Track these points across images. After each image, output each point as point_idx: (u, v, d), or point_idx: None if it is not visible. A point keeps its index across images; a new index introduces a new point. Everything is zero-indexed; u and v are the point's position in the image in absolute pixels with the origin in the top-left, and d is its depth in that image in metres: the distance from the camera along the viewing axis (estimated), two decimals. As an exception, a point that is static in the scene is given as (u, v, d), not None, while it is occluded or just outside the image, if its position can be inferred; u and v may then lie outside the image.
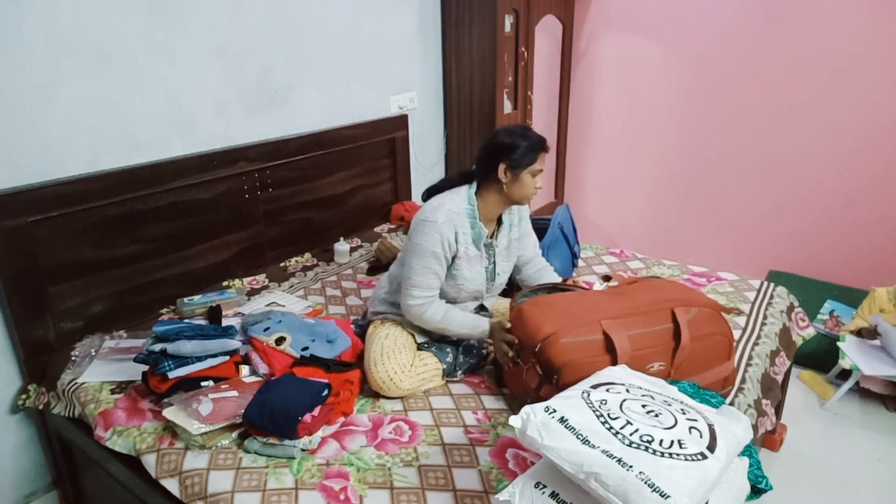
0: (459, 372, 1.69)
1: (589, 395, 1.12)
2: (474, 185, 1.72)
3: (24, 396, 1.83)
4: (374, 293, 1.90)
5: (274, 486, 1.29)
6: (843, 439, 2.34)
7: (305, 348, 1.69)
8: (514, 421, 1.07)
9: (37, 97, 1.75)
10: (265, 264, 2.48)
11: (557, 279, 1.90)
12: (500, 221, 1.80)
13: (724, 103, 3.32)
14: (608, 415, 1.05)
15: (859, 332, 2.57)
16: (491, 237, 1.78)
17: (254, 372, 1.67)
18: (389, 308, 1.80)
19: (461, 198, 1.70)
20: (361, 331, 1.86)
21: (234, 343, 1.67)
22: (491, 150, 1.67)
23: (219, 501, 1.28)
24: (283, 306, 2.08)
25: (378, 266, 2.46)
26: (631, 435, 1.00)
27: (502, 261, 1.81)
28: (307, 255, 2.62)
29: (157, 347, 1.55)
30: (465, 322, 1.69)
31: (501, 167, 1.65)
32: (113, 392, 1.65)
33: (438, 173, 3.47)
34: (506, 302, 2.09)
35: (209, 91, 2.20)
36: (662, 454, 0.96)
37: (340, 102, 2.74)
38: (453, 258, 1.68)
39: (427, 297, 1.67)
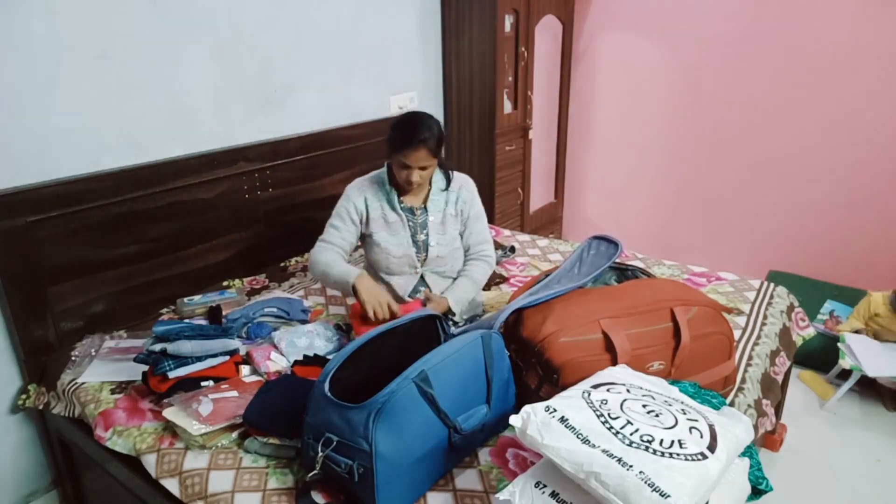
0: None
1: (589, 394, 1.12)
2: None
3: (24, 396, 1.83)
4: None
5: (274, 486, 1.29)
6: (843, 439, 2.34)
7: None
8: (515, 420, 1.07)
9: (37, 97, 1.75)
10: (265, 264, 2.48)
11: (479, 277, 1.90)
12: (429, 196, 1.89)
13: (723, 103, 3.32)
14: (608, 414, 1.05)
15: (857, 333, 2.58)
16: (422, 205, 1.88)
17: (254, 371, 1.67)
18: None
19: (376, 172, 1.92)
20: (346, 334, 1.87)
21: (234, 343, 1.67)
22: None
23: (219, 501, 1.28)
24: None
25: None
26: (631, 435, 1.00)
27: (437, 234, 1.88)
28: (307, 256, 2.61)
29: (157, 347, 1.55)
30: (339, 269, 1.76)
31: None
32: (113, 392, 1.65)
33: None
34: (500, 296, 2.09)
35: (209, 91, 2.20)
36: (663, 454, 0.96)
37: (340, 102, 2.74)
38: (367, 221, 1.86)
39: (323, 243, 1.85)
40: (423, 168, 1.76)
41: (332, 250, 1.84)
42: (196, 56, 2.13)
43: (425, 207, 1.89)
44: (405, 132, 1.73)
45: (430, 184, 1.90)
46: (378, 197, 1.88)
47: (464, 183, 1.94)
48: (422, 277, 1.88)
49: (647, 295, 1.51)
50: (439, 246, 1.87)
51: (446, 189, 1.91)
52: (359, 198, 1.87)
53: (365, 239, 1.91)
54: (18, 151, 1.74)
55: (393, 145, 1.77)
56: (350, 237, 1.88)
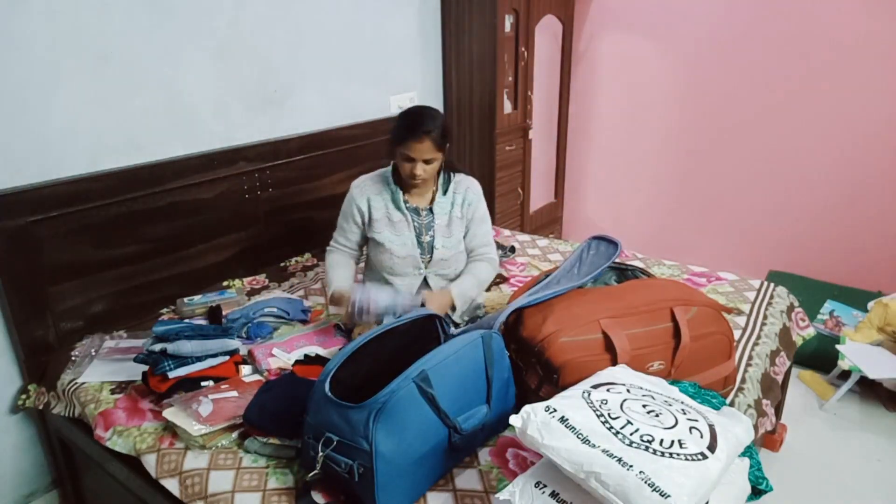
0: None
1: (589, 394, 1.12)
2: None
3: (24, 396, 1.83)
4: None
5: (274, 486, 1.29)
6: (843, 439, 2.34)
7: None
8: (515, 420, 1.07)
9: (37, 97, 1.75)
10: (265, 264, 2.48)
11: (482, 276, 1.90)
12: (436, 197, 1.88)
13: (723, 103, 3.32)
14: (608, 414, 1.05)
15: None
16: (428, 206, 1.87)
17: (255, 371, 1.67)
18: None
19: (382, 170, 1.91)
20: (347, 334, 1.87)
21: (234, 343, 1.68)
22: None
23: (219, 501, 1.28)
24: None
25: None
26: (631, 435, 1.00)
27: (442, 236, 1.86)
28: (307, 255, 2.62)
29: (157, 347, 1.55)
30: (332, 278, 1.85)
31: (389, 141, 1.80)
32: (113, 392, 1.65)
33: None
34: (500, 296, 2.09)
35: (209, 91, 2.20)
36: (663, 454, 0.96)
37: (340, 102, 2.74)
38: (371, 221, 1.85)
39: (332, 245, 1.95)
40: (427, 161, 1.73)
41: (339, 251, 1.93)
42: (196, 56, 2.13)
43: (431, 209, 1.87)
44: (409, 123, 1.71)
45: (436, 185, 1.89)
46: (382, 195, 1.85)
47: (470, 185, 1.92)
48: (425, 280, 1.87)
49: (647, 295, 1.51)
50: (444, 249, 1.86)
51: (451, 191, 1.90)
52: (361, 198, 1.86)
53: (369, 240, 1.90)
54: (18, 151, 1.74)
55: (396, 137, 1.74)
56: (354, 237, 1.91)
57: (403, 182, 1.84)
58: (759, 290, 2.16)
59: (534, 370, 1.42)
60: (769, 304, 2.07)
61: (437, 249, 1.85)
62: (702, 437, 1.02)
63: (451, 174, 1.91)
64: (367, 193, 1.86)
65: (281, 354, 1.71)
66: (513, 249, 2.60)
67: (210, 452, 1.39)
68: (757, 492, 1.20)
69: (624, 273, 1.80)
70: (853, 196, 3.06)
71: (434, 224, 1.86)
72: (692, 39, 3.32)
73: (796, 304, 2.17)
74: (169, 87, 2.07)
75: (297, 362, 1.65)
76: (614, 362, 1.36)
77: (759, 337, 1.86)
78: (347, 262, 1.93)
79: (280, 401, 1.40)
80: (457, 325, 1.85)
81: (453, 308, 1.79)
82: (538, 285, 1.62)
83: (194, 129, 2.18)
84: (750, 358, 1.75)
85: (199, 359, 1.58)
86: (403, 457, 1.17)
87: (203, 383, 1.55)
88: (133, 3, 1.92)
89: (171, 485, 1.36)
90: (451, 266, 1.89)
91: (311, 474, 1.19)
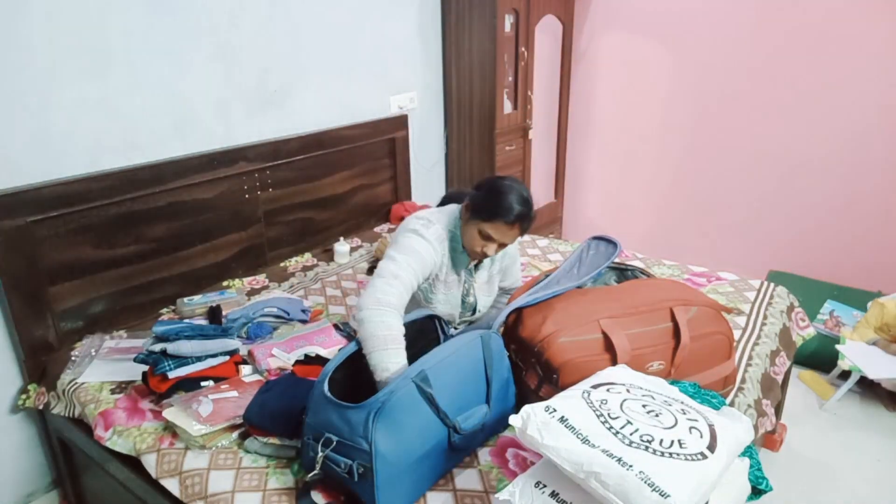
0: None
1: (589, 394, 1.12)
2: (459, 209, 1.67)
3: (24, 396, 1.83)
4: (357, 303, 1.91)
5: (274, 486, 1.29)
6: (843, 439, 2.34)
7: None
8: (515, 420, 1.07)
9: (37, 97, 1.76)
10: (265, 264, 2.49)
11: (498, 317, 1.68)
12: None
13: (724, 103, 3.32)
14: (608, 414, 1.05)
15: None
16: (475, 265, 1.74)
17: (255, 371, 1.67)
18: None
19: (449, 219, 1.65)
20: (348, 335, 1.87)
21: (234, 343, 1.68)
22: (476, 184, 1.63)
23: (219, 501, 1.28)
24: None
25: (378, 266, 2.46)
26: (631, 434, 1.00)
27: (483, 295, 1.77)
28: (307, 255, 2.62)
29: (157, 347, 1.55)
30: (395, 361, 1.28)
31: (465, 203, 1.61)
32: (113, 392, 1.65)
33: (438, 173, 3.47)
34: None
35: (209, 91, 2.20)
36: (662, 454, 0.96)
37: (340, 102, 2.75)
38: (434, 280, 1.64)
39: (389, 299, 1.36)
40: (503, 244, 1.59)
41: (395, 315, 1.35)
42: (196, 56, 2.13)
43: (474, 268, 1.75)
44: (506, 204, 1.51)
45: None
46: (447, 255, 1.65)
47: None
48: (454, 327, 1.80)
49: (647, 295, 1.51)
50: (485, 309, 1.80)
51: None
52: (438, 255, 1.59)
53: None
54: (18, 151, 1.74)
55: (484, 212, 1.54)
56: (409, 293, 1.48)
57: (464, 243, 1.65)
58: (759, 290, 2.16)
59: (533, 370, 1.42)
60: (769, 304, 2.07)
61: (479, 311, 1.78)
62: (702, 436, 1.02)
63: None
64: (443, 250, 1.62)
65: (281, 354, 1.71)
66: (513, 249, 2.60)
67: (210, 452, 1.39)
68: (757, 492, 1.20)
69: (624, 273, 1.80)
70: (853, 196, 3.06)
71: (474, 283, 1.75)
72: (692, 39, 3.32)
73: (796, 304, 2.17)
74: (169, 87, 2.07)
75: (297, 362, 1.65)
76: (614, 362, 1.36)
77: (759, 337, 1.86)
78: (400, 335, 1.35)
79: (280, 401, 1.40)
80: (456, 327, 1.84)
81: None
82: (538, 285, 1.62)
83: (194, 129, 2.18)
84: (750, 358, 1.75)
85: (199, 359, 1.58)
86: (403, 457, 1.17)
87: (203, 383, 1.55)
88: (133, 3, 1.92)
89: (171, 485, 1.36)
90: (481, 319, 1.85)
91: (311, 474, 1.19)
